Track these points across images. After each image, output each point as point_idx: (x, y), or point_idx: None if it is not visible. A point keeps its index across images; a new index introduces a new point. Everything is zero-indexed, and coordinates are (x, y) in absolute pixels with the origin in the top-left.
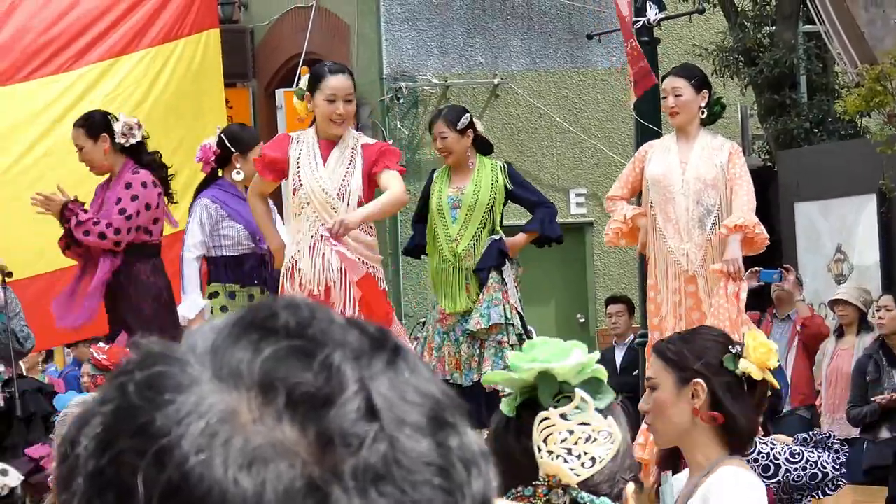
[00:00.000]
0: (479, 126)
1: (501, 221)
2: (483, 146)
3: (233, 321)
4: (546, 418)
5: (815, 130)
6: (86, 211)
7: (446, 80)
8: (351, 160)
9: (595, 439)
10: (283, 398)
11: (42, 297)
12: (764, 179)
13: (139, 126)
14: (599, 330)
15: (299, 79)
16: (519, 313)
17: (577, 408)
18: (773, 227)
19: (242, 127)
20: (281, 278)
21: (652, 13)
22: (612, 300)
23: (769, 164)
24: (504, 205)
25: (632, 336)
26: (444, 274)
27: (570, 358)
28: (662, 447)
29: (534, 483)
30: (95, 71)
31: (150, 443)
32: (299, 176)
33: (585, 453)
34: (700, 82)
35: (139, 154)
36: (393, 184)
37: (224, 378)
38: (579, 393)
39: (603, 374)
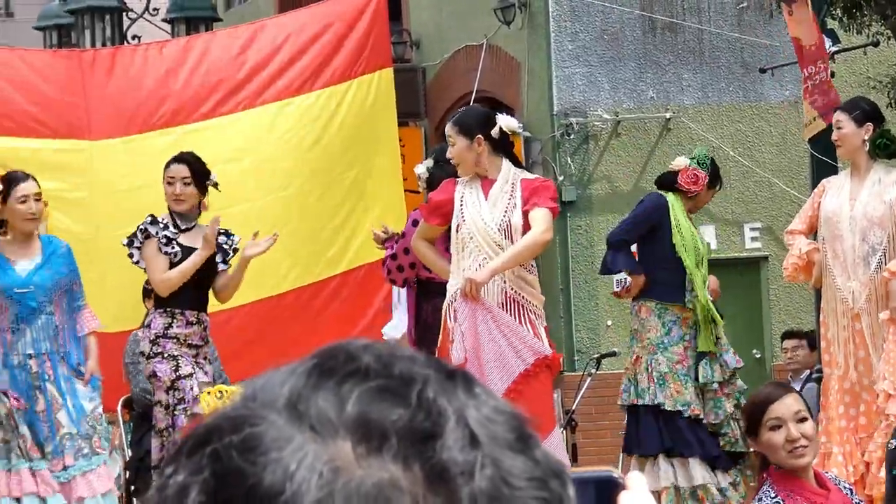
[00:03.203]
0: None
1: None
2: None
3: (307, 369)
4: None
5: None
6: (392, 248)
7: (617, 115)
8: (511, 195)
9: None
10: (383, 438)
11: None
12: None
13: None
14: (776, 365)
15: None
16: None
17: None
18: None
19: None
20: (443, 314)
21: (826, 46)
22: (788, 335)
23: None
24: None
25: (807, 371)
26: (693, 313)
27: None
28: None
29: None
30: (271, 110)
31: (267, 503)
32: (462, 212)
33: None
34: (863, 115)
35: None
36: (535, 225)
37: (317, 428)
38: None
39: None
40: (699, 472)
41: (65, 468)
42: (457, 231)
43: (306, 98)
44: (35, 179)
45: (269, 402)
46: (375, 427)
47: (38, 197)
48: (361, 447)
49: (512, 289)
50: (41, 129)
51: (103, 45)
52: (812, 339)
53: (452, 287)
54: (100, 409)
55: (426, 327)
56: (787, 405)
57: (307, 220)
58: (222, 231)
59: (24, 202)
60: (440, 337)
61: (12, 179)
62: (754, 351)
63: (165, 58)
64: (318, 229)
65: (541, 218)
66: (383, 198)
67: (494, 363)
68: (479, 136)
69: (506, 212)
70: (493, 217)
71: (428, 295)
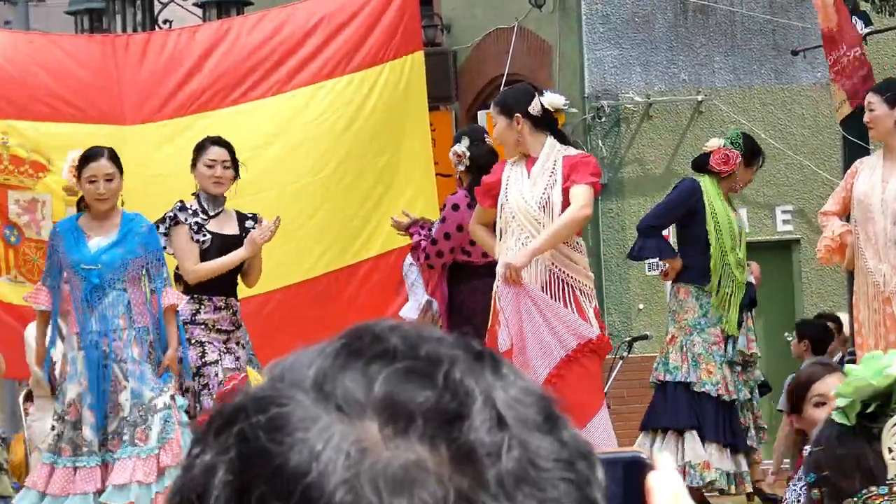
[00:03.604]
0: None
1: None
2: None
3: (334, 350)
4: None
5: None
6: (419, 233)
7: (649, 97)
8: (552, 172)
9: None
10: (410, 419)
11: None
12: None
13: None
14: None
15: None
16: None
17: None
18: None
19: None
20: (493, 296)
21: (858, 28)
22: (819, 318)
23: None
24: None
25: (840, 354)
26: (731, 297)
27: None
28: None
29: (888, 482)
30: (304, 94)
31: (293, 483)
32: (506, 193)
33: None
34: (894, 97)
35: (476, 174)
36: (573, 201)
37: (344, 408)
38: None
39: None
40: (716, 457)
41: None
42: (501, 211)
43: (338, 82)
44: (111, 158)
45: (296, 382)
46: (402, 408)
47: (109, 177)
48: (388, 428)
49: (557, 267)
50: (75, 113)
51: (134, 30)
52: (802, 331)
53: (501, 269)
54: (161, 401)
55: (461, 309)
56: (831, 384)
57: (339, 204)
58: (250, 215)
59: (92, 182)
60: (490, 319)
61: (85, 157)
62: (786, 334)
63: (198, 42)
64: (350, 213)
65: (580, 194)
66: (414, 182)
67: (537, 349)
68: (518, 114)
69: (545, 189)
70: (533, 195)
71: (463, 278)
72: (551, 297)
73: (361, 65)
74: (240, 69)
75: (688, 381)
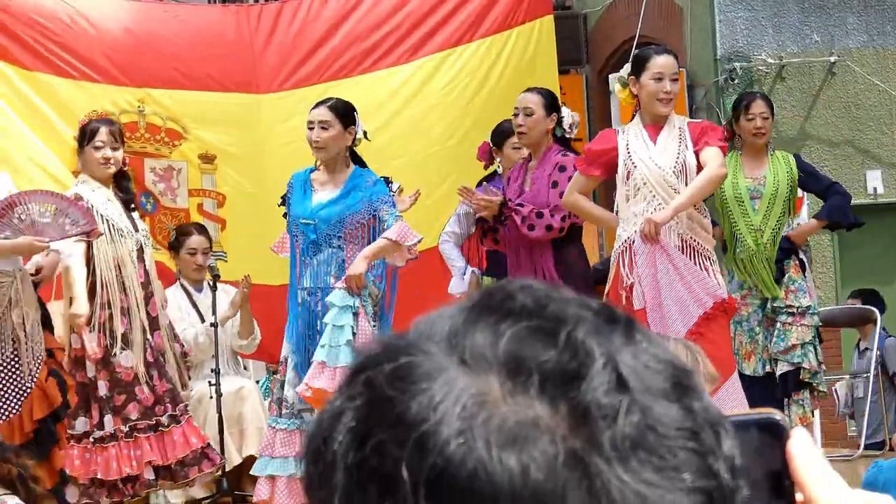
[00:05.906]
0: None
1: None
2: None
3: (468, 306)
4: None
5: None
6: (521, 205)
7: (781, 59)
8: (680, 139)
9: None
10: (531, 376)
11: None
12: None
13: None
14: None
15: None
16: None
17: None
18: None
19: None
20: (612, 261)
21: None
22: None
23: None
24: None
25: None
26: (745, 262)
27: None
28: None
29: None
30: (433, 62)
31: (410, 431)
32: (631, 159)
33: None
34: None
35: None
36: (709, 162)
37: (469, 362)
38: None
39: None
40: None
41: None
42: (627, 178)
43: (466, 48)
44: (333, 107)
45: (431, 334)
46: (524, 365)
47: (324, 125)
48: (508, 384)
49: (687, 234)
50: (210, 82)
51: None
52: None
53: (624, 234)
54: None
55: (574, 266)
56: None
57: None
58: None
59: (310, 128)
60: (610, 282)
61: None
62: None
63: (329, 11)
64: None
65: (714, 155)
66: None
67: (674, 307)
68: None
69: (678, 153)
70: (666, 160)
71: (576, 238)
72: None
73: (489, 31)
74: (370, 37)
75: None
